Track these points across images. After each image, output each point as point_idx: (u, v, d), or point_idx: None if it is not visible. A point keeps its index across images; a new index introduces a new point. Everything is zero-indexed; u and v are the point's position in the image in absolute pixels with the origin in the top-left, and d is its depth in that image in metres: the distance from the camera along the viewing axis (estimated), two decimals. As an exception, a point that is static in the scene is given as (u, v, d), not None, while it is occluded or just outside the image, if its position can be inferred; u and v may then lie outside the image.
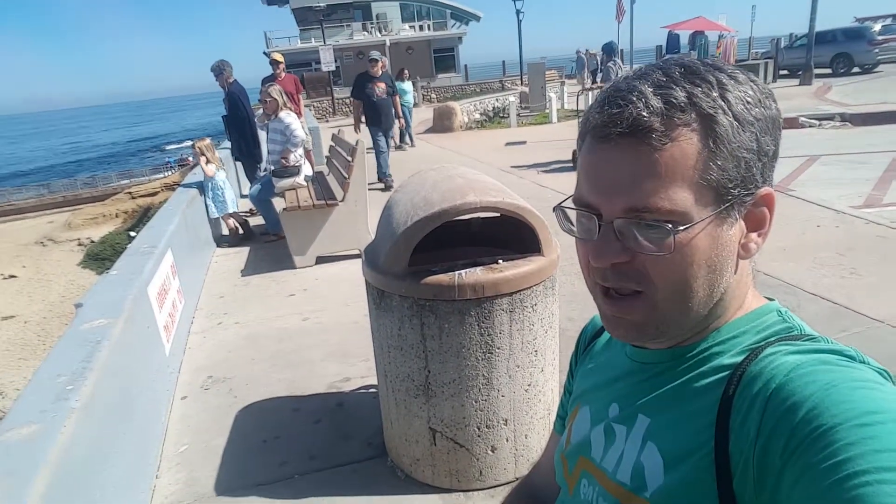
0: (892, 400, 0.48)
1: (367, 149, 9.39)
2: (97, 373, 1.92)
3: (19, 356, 8.68)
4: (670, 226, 0.56)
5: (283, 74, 7.46)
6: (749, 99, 0.57)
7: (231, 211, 5.61)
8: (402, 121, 9.48)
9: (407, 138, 11.60)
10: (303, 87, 8.32)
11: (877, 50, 18.41)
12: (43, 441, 1.54)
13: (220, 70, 6.21)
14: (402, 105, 10.15)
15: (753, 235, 0.61)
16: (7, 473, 1.41)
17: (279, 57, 7.61)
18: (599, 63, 22.90)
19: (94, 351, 2.05)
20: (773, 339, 0.61)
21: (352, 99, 8.07)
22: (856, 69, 18.70)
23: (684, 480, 0.58)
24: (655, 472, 0.60)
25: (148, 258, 3.15)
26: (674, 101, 0.56)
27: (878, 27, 19.06)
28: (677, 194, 0.56)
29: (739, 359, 0.60)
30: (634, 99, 0.56)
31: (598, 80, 13.93)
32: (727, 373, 0.59)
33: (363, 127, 7.90)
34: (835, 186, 6.13)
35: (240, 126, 6.00)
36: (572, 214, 0.65)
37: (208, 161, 5.47)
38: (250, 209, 6.64)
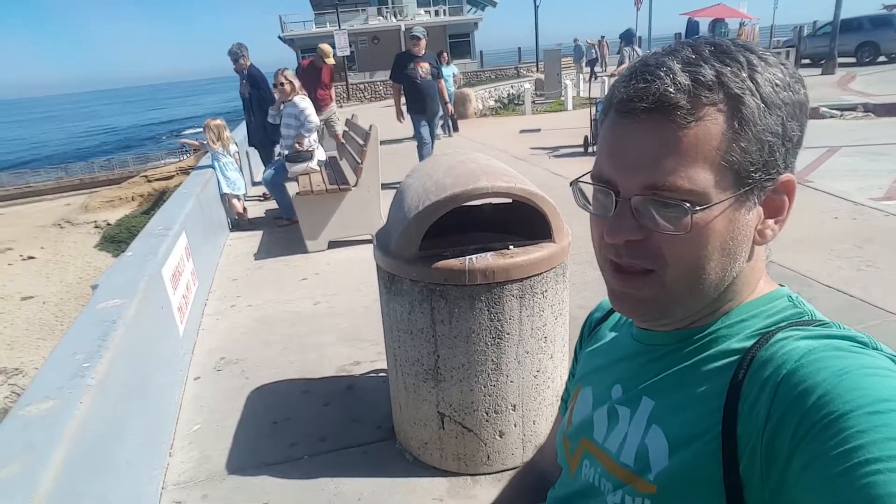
0: None
1: (407, 139, 9.14)
2: (112, 352, 1.95)
3: (38, 336, 8.85)
4: (688, 205, 0.56)
5: (328, 63, 7.21)
6: (778, 82, 0.56)
7: (239, 193, 5.62)
8: (451, 107, 8.20)
9: (449, 126, 10.28)
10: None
11: (906, 39, 17.96)
12: (60, 417, 1.58)
13: (238, 54, 6.24)
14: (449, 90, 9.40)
15: (770, 222, 0.61)
16: (26, 447, 1.45)
17: (328, 50, 7.32)
18: (598, 53, 22.58)
19: (109, 330, 2.08)
20: (783, 323, 0.60)
21: (391, 83, 7.09)
22: (882, 58, 18.25)
23: (690, 463, 0.57)
24: (660, 455, 0.60)
25: (162, 240, 3.18)
26: (702, 78, 0.55)
27: (905, 15, 18.57)
28: (698, 174, 0.56)
29: (749, 343, 0.59)
30: (662, 74, 0.55)
31: (616, 67, 13.80)
32: (736, 357, 0.59)
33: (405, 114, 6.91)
34: (854, 178, 6.02)
35: (264, 107, 6.07)
36: (588, 191, 0.64)
37: (217, 139, 5.50)
38: (264, 193, 6.68)
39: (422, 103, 6.63)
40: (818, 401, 0.48)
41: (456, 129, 10.38)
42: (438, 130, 8.46)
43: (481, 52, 34.16)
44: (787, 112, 0.56)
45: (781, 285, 0.66)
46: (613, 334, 0.81)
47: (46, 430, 1.52)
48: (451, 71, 11.79)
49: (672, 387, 0.63)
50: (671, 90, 0.55)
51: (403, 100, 6.81)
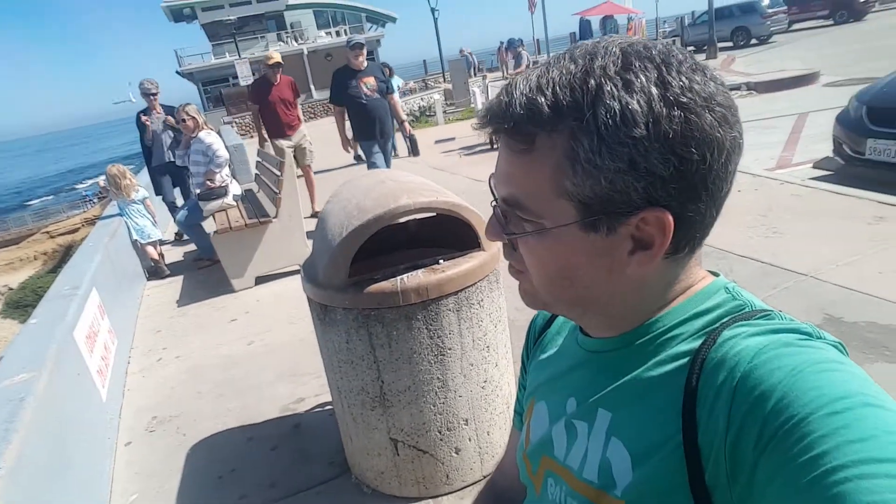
0: (856, 381, 0.48)
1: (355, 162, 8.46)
2: (22, 433, 1.77)
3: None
4: (529, 226, 0.59)
5: (279, 78, 6.25)
6: (628, 113, 0.51)
7: (153, 240, 5.32)
8: (408, 126, 6.77)
9: (408, 148, 8.74)
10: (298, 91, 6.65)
11: (769, 22, 19.73)
12: (-34, 518, 1.41)
13: (152, 91, 5.98)
14: None
15: (639, 253, 0.57)
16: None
17: (277, 56, 6.29)
18: (475, 63, 23.42)
19: (17, 409, 1.89)
20: (726, 318, 0.59)
21: (332, 106, 5.95)
22: (754, 41, 19.92)
23: (655, 475, 0.56)
24: (623, 469, 0.59)
25: (71, 300, 2.95)
26: (534, 108, 0.54)
27: (766, 1, 20.37)
28: (534, 200, 0.58)
29: (696, 343, 0.58)
30: (504, 98, 0.57)
31: (511, 68, 14.43)
32: (686, 360, 0.58)
33: (350, 140, 5.90)
34: (749, 151, 6.47)
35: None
36: None
37: (118, 187, 5.19)
38: (176, 233, 6.36)
39: (370, 126, 5.51)
40: (777, 404, 0.48)
41: (416, 152, 8.64)
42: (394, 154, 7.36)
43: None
44: (642, 147, 0.51)
45: (715, 273, 0.65)
46: (560, 339, 0.79)
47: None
48: (396, 83, 10.45)
49: (627, 396, 0.62)
50: (504, 116, 0.56)
51: (348, 124, 5.73)
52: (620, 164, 0.52)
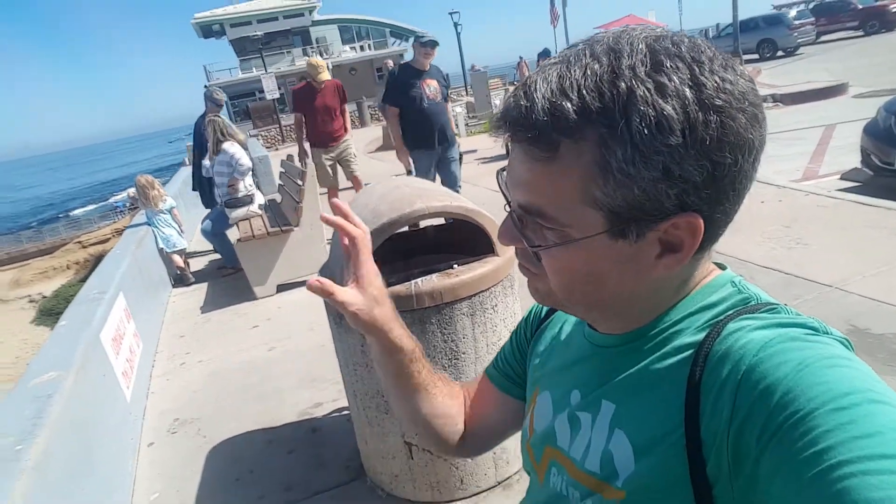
0: (863, 377, 0.47)
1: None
2: (49, 429, 1.83)
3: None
4: (552, 234, 0.57)
5: (324, 83, 5.72)
6: (664, 121, 0.49)
7: (178, 248, 5.44)
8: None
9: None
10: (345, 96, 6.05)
11: (795, 34, 19.48)
12: (-6, 507, 1.46)
13: (221, 101, 5.83)
14: None
15: (668, 257, 0.56)
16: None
17: (319, 62, 5.78)
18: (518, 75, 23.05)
19: (45, 406, 1.95)
20: (731, 311, 0.59)
21: (386, 107, 5.14)
22: (780, 53, 19.67)
23: (657, 467, 0.56)
24: (625, 460, 0.59)
25: (98, 304, 3.04)
26: (559, 114, 0.51)
27: (793, 13, 20.15)
28: (558, 210, 0.55)
29: (700, 336, 0.58)
30: (523, 102, 0.53)
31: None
32: (690, 352, 0.57)
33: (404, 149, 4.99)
34: (774, 163, 6.38)
35: None
36: None
37: (147, 197, 5.33)
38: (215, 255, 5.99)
39: (428, 133, 4.81)
40: (782, 399, 0.47)
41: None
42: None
43: (410, 82, 34.63)
44: (677, 155, 0.49)
45: (723, 267, 0.65)
46: (566, 330, 0.79)
47: (-21, 524, 1.40)
48: None
49: (630, 389, 0.62)
50: (526, 123, 0.52)
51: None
52: (654, 173, 0.50)
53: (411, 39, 38.77)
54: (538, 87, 0.52)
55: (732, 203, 0.56)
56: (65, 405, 2.02)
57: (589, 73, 0.51)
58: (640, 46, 0.51)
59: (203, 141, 5.65)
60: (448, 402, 0.91)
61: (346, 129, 6.02)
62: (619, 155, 0.50)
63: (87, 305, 3.09)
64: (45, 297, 16.10)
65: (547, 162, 0.53)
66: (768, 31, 19.94)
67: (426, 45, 4.83)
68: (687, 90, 0.49)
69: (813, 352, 0.50)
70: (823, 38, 21.69)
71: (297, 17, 34.70)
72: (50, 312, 13.65)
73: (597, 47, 0.53)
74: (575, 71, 0.51)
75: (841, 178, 5.71)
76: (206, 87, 6.28)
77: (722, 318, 0.59)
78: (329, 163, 5.97)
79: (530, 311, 0.90)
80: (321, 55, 33.38)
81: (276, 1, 34.68)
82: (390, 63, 6.31)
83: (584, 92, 0.50)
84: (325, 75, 5.70)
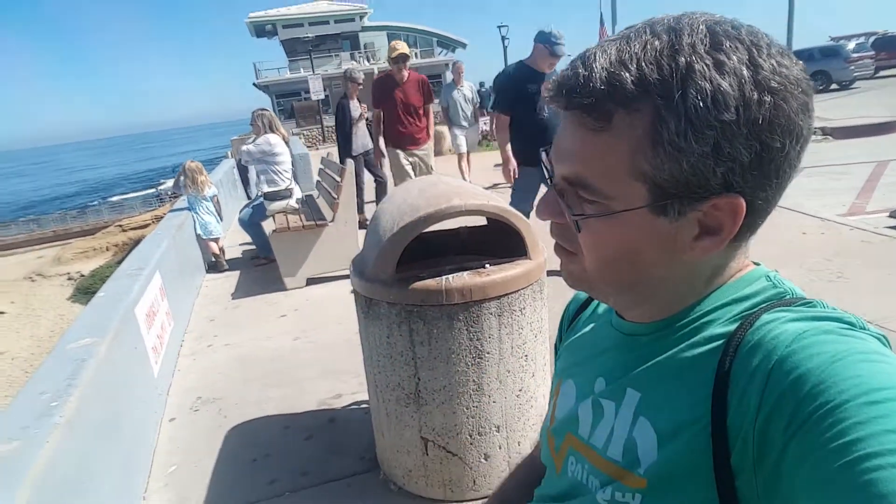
0: None
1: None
2: (82, 390, 1.89)
3: (5, 394, 8.51)
4: (592, 207, 0.57)
5: (406, 75, 5.11)
6: (720, 96, 0.49)
7: (215, 237, 5.56)
8: None
9: None
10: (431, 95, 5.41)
11: (852, 67, 18.93)
12: (25, 457, 1.51)
13: (360, 80, 5.91)
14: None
15: (706, 240, 0.56)
16: (-13, 490, 1.38)
17: (403, 47, 5.06)
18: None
19: (79, 369, 2.02)
20: (765, 304, 0.58)
21: (494, 114, 4.26)
22: (834, 86, 19.15)
23: (680, 455, 0.55)
24: (649, 448, 0.58)
25: (136, 280, 3.13)
26: (618, 83, 0.51)
27: (852, 45, 19.62)
28: (604, 181, 0.55)
29: (732, 327, 0.57)
30: (581, 71, 0.53)
31: None
32: (720, 342, 0.57)
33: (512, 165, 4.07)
34: (819, 196, 6.21)
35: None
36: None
37: (193, 182, 5.47)
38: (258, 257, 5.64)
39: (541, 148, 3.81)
40: (813, 389, 0.46)
41: None
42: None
43: (454, 92, 34.88)
44: (727, 132, 0.50)
45: (757, 263, 0.64)
46: (592, 325, 0.79)
47: (9, 471, 1.45)
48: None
49: (657, 377, 0.61)
50: (583, 91, 0.53)
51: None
52: (705, 149, 0.50)
53: (458, 49, 38.95)
54: (597, 58, 0.53)
55: (774, 191, 0.55)
56: (97, 370, 2.09)
57: (649, 47, 0.52)
58: (701, 27, 0.52)
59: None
60: (529, 495, 0.85)
61: (428, 135, 5.28)
62: (672, 127, 0.50)
63: (125, 280, 3.19)
64: (82, 275, 16.62)
65: (599, 132, 0.54)
66: (823, 62, 19.42)
67: (552, 44, 3.81)
68: (744, 69, 0.50)
69: (847, 345, 0.49)
70: (882, 72, 21.08)
71: (347, 21, 35.41)
72: (86, 291, 14.09)
73: (657, 27, 0.54)
74: (634, 45, 0.52)
75: (890, 216, 5.51)
76: (345, 70, 6.05)
77: (756, 310, 0.58)
78: (409, 167, 5.31)
79: (562, 316, 0.90)
80: (368, 60, 33.93)
81: (329, 6, 35.47)
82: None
83: (643, 64, 0.51)
84: (404, 64, 4.88)
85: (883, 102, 13.84)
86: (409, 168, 5.34)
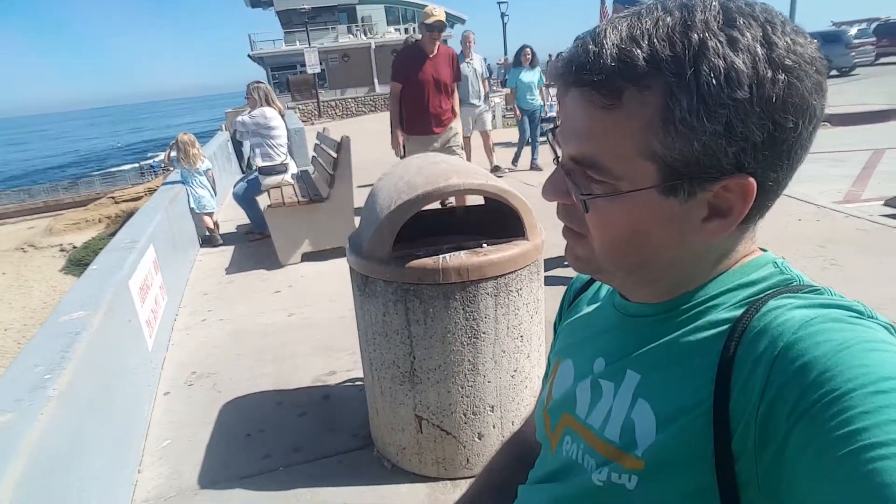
0: None
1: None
2: (75, 363, 1.88)
3: (-2, 363, 8.52)
4: (600, 187, 0.56)
5: (437, 48, 4.52)
6: (733, 74, 0.48)
7: (208, 211, 5.51)
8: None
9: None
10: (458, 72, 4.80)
11: (853, 53, 18.80)
12: (18, 429, 1.51)
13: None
14: (526, 104, 7.65)
15: (715, 221, 0.56)
16: (-20, 462, 1.38)
17: (440, 13, 4.37)
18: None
19: (72, 342, 2.01)
20: (772, 291, 0.58)
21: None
22: (833, 72, 19.04)
23: (679, 438, 0.55)
24: (647, 430, 0.58)
25: (129, 253, 3.10)
26: (629, 60, 0.50)
27: (854, 31, 19.44)
28: (613, 160, 0.54)
29: (738, 312, 0.57)
30: (592, 47, 0.52)
31: None
32: (725, 327, 0.56)
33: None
34: (815, 183, 6.21)
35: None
36: None
37: (185, 155, 5.40)
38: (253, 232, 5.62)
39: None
40: (819, 377, 0.46)
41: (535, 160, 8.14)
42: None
43: (452, 68, 34.46)
44: (742, 111, 0.49)
45: (764, 250, 0.64)
46: (594, 305, 0.79)
47: (3, 443, 1.45)
48: (534, 76, 7.80)
49: (659, 359, 0.61)
50: (594, 68, 0.52)
51: None
52: (717, 127, 0.50)
53: (456, 25, 38.51)
54: (608, 34, 0.52)
55: (786, 172, 0.55)
56: (90, 343, 2.07)
57: (661, 24, 0.51)
58: (714, 4, 0.51)
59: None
60: (517, 472, 0.85)
61: (454, 112, 4.80)
62: (685, 105, 0.50)
63: (118, 253, 3.16)
64: (75, 247, 16.53)
65: (608, 110, 0.53)
66: (824, 48, 18.63)
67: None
68: (758, 47, 0.49)
69: (855, 334, 0.49)
70: (883, 59, 20.96)
71: (345, -7, 34.76)
72: (79, 263, 14.03)
73: (669, 3, 0.53)
74: (646, 22, 0.51)
75: (885, 205, 5.53)
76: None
77: (762, 296, 0.57)
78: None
79: (563, 295, 0.89)
80: (365, 34, 33.41)
81: (326, -24, 34.77)
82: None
83: (655, 41, 0.50)
84: (439, 34, 4.29)
85: (883, 90, 13.80)
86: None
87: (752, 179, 0.52)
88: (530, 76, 7.73)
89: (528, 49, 7.79)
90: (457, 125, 4.86)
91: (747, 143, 0.51)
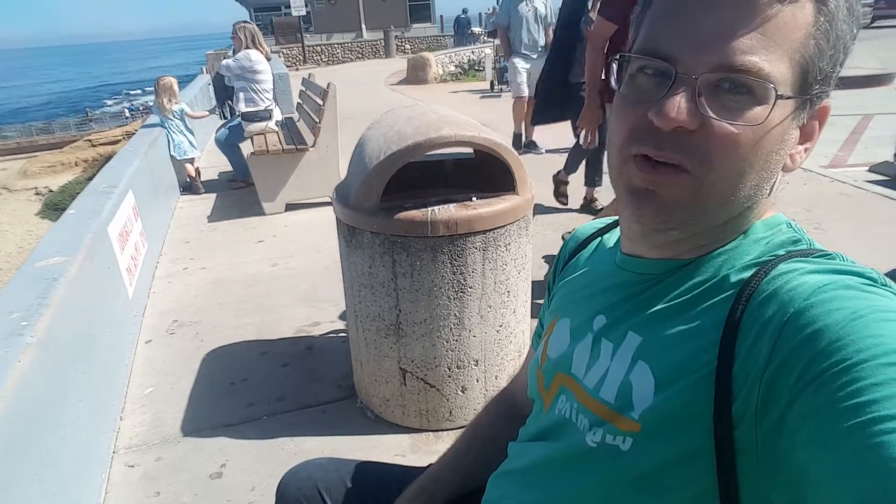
0: None
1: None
2: (53, 309, 1.83)
3: (-24, 306, 8.37)
4: (745, 99, 0.51)
5: None
6: (851, 7, 0.52)
7: (189, 157, 5.35)
8: None
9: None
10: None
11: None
12: (-5, 375, 1.47)
13: None
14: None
15: (802, 147, 0.58)
16: (-43, 407, 1.35)
17: None
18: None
19: (49, 288, 1.96)
20: (782, 252, 0.56)
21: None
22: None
23: (678, 401, 0.54)
24: (645, 393, 0.57)
25: (108, 198, 3.01)
26: None
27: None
28: (778, 64, 0.51)
29: (746, 274, 0.55)
30: None
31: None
32: (733, 290, 0.55)
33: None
34: (803, 146, 6.22)
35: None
36: (629, 70, 0.57)
37: (168, 100, 5.21)
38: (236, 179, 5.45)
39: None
40: (829, 346, 0.45)
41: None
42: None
43: (441, 16, 33.50)
44: (850, 41, 0.53)
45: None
46: (593, 262, 0.77)
47: (-20, 388, 1.42)
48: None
49: (662, 321, 0.59)
50: None
51: None
52: (848, 40, 0.53)
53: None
54: None
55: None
56: (69, 289, 2.02)
57: None
58: None
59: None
60: (503, 428, 0.87)
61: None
62: (842, 5, 0.52)
63: (96, 197, 3.07)
64: (51, 190, 16.12)
65: (779, 7, 0.50)
66: None
67: None
68: None
69: (869, 302, 0.47)
70: (879, 22, 20.70)
71: (332, -69, 33.17)
72: (55, 207, 13.70)
73: None
74: None
75: (869, 170, 5.56)
76: None
77: (772, 258, 0.56)
78: None
79: (560, 251, 0.87)
80: (352, -23, 32.05)
81: (312, -88, 33.04)
82: None
83: None
84: None
85: (875, 54, 13.68)
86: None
87: (828, 104, 0.56)
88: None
89: None
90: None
91: (839, 71, 0.54)
